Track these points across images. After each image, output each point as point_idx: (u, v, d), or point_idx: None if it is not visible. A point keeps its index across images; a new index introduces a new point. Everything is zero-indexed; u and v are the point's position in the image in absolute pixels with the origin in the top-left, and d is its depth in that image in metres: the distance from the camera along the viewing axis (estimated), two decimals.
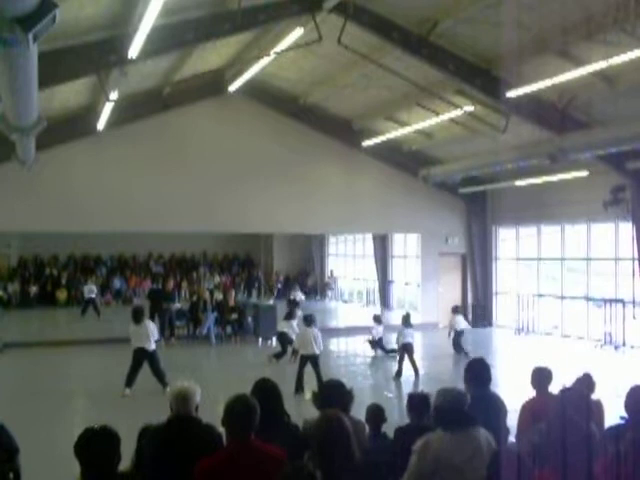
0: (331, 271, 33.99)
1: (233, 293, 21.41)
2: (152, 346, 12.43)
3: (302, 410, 5.20)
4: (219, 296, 20.70)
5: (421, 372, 14.53)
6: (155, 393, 11.69)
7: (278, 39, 14.12)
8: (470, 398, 5.34)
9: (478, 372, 5.60)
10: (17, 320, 25.06)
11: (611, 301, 18.26)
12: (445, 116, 17.00)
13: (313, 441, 3.98)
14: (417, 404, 5.35)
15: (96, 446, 3.80)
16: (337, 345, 19.77)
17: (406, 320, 15.05)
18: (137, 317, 12.56)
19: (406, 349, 14.41)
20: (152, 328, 12.64)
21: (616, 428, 4.70)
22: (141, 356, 12.37)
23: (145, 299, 22.20)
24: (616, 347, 17.76)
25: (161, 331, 18.54)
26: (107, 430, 3.93)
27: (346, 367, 16.19)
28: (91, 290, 25.17)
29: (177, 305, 20.20)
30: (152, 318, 19.69)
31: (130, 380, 12.30)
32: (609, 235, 18.67)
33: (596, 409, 5.75)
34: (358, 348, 18.48)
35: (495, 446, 4.43)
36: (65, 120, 17.72)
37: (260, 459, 3.81)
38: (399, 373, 14.30)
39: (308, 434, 4.49)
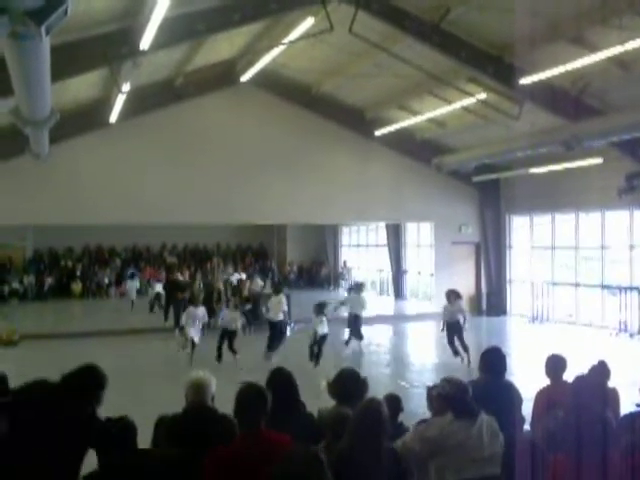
0: (344, 261, 33.98)
1: (247, 283, 21.46)
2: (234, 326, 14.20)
3: (316, 399, 5.21)
4: (233, 282, 20.80)
5: (435, 361, 14.54)
6: (171, 383, 11.77)
7: (289, 29, 14.08)
8: (485, 387, 5.36)
9: (493, 361, 5.59)
10: (33, 312, 25.28)
11: (626, 289, 18.16)
12: (458, 104, 16.92)
13: (344, 425, 4.04)
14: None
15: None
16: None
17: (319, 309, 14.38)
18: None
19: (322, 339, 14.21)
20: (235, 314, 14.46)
21: (632, 416, 4.69)
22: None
23: (162, 290, 22.35)
24: (631, 335, 17.66)
25: (176, 321, 18.71)
26: (124, 420, 3.97)
27: (360, 356, 16.20)
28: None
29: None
30: (167, 308, 19.84)
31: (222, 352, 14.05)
32: (624, 222, 18.54)
33: (612, 397, 5.73)
34: (372, 337, 18.47)
35: (499, 431, 4.48)
36: (78, 113, 17.77)
37: (269, 448, 3.83)
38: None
39: (326, 421, 4.54)
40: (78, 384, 4.17)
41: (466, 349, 13.85)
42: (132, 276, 27.09)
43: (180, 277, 22.41)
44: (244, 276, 22.97)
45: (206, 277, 25.89)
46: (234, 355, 14.11)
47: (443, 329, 14.39)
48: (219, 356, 14.08)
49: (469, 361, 13.43)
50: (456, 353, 13.97)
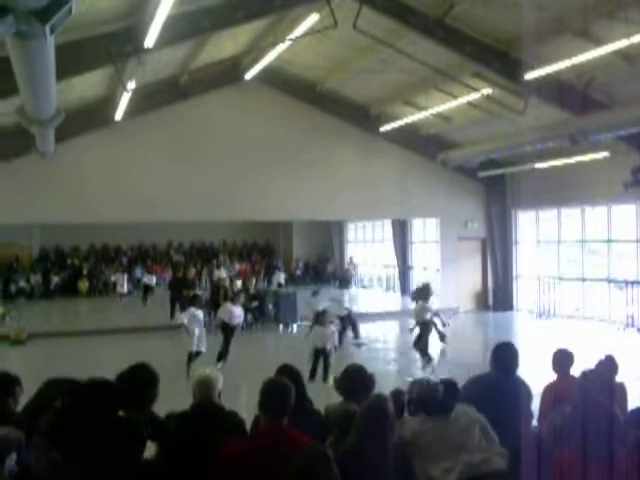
0: (350, 257, 33.99)
1: (253, 281, 21.50)
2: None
3: (322, 396, 5.24)
4: (238, 283, 20.85)
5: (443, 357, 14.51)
6: (178, 380, 11.79)
7: (293, 25, 14.07)
8: (495, 382, 5.34)
9: (505, 357, 5.58)
10: (40, 311, 25.36)
11: (633, 283, 18.09)
12: (463, 99, 16.88)
13: (350, 421, 4.07)
14: (445, 390, 5.31)
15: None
16: None
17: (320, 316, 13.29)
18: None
19: None
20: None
21: (639, 410, 4.67)
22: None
23: (167, 289, 22.42)
24: (638, 329, 17.60)
25: None
26: (132, 419, 3.99)
27: (367, 352, 16.21)
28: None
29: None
30: (173, 306, 19.86)
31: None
32: (630, 216, 18.48)
33: (619, 392, 5.72)
34: (378, 333, 18.49)
35: (480, 419, 4.53)
36: (83, 111, 17.80)
37: (288, 445, 3.84)
38: None
39: (333, 417, 4.56)
40: (130, 383, 4.28)
41: (424, 355, 13.10)
42: (122, 271, 29.38)
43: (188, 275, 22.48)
44: (224, 274, 23.23)
45: (212, 274, 26.01)
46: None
47: (412, 330, 13.64)
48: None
49: (424, 366, 12.82)
50: (425, 356, 13.19)
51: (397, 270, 28.54)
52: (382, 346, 17.00)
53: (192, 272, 21.84)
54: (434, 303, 13.92)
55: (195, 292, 19.14)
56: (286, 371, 5.06)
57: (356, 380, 4.90)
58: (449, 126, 20.43)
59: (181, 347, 14.51)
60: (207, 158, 19.50)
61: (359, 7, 13.54)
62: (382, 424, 4.01)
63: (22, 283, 28.69)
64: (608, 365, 5.84)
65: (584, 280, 20.20)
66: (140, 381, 4.36)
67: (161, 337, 17.90)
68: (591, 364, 5.55)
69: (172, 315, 19.86)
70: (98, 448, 3.73)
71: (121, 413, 4.18)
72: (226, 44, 16.71)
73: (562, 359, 6.04)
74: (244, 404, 9.40)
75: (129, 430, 4.05)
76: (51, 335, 18.12)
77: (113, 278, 30.23)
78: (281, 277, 25.91)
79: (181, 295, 19.38)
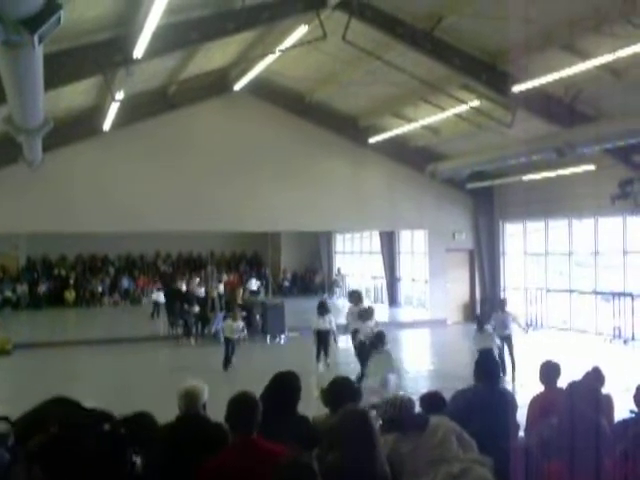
0: (338, 268, 33.97)
1: (241, 291, 21.44)
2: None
3: (310, 407, 5.21)
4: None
5: (430, 368, 14.49)
6: (163, 392, 11.71)
7: (283, 37, 14.10)
8: (480, 394, 5.34)
9: (488, 368, 5.59)
10: (26, 321, 25.17)
11: (620, 295, 18.18)
12: (451, 112, 16.95)
13: (332, 436, 4.03)
14: (429, 403, 5.28)
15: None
16: (346, 342, 19.72)
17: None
18: (321, 310, 14.21)
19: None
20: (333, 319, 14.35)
21: (626, 422, 4.69)
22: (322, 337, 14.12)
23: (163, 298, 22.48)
24: (625, 341, 17.68)
25: (185, 330, 18.79)
26: (118, 432, 3.97)
27: (355, 364, 16.15)
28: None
29: (196, 309, 19.89)
30: (170, 316, 19.83)
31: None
32: (617, 229, 18.59)
33: (606, 403, 5.74)
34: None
35: (455, 428, 4.50)
36: (71, 121, 17.75)
37: (260, 457, 3.81)
38: None
39: (320, 430, 4.52)
40: (130, 431, 4.29)
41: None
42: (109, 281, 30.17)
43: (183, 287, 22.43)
44: (197, 280, 23.30)
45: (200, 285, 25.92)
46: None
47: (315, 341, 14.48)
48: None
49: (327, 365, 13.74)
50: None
51: (385, 281, 28.56)
52: None
53: (191, 286, 21.82)
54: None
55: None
56: (283, 377, 5.02)
57: (342, 392, 4.87)
58: (437, 138, 20.51)
59: (166, 357, 14.48)
60: (195, 169, 19.45)
61: (348, 19, 13.60)
62: (364, 438, 3.94)
63: (8, 293, 28.47)
64: (595, 377, 5.87)
65: (571, 292, 20.28)
66: (141, 427, 4.36)
67: (147, 348, 17.81)
68: (578, 376, 5.57)
69: (172, 325, 19.81)
70: (82, 472, 3.72)
71: (106, 426, 4.15)
72: (215, 55, 16.72)
73: (549, 370, 6.06)
74: None
75: (115, 447, 4.03)
76: (37, 345, 17.96)
77: (100, 288, 30.11)
78: (253, 284, 26.12)
79: (174, 306, 19.38)
